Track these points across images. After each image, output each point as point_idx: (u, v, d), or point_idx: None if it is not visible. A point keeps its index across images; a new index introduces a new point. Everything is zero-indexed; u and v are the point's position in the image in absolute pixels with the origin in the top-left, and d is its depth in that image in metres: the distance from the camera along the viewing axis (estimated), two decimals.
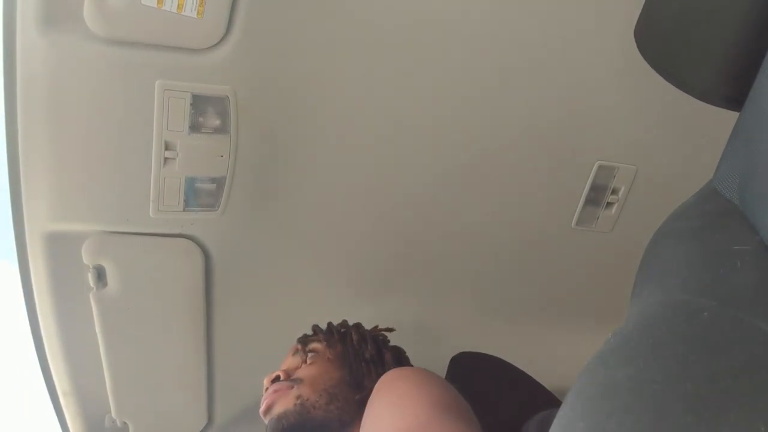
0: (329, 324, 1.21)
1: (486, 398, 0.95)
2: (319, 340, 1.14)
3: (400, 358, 1.16)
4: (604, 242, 1.42)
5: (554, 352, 1.48)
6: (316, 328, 1.20)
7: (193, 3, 0.96)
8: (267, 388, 1.08)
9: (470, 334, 1.42)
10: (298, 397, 1.02)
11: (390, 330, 1.23)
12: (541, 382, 1.14)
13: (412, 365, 1.16)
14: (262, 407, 1.04)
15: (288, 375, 1.08)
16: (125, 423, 1.38)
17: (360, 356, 1.10)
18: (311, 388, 1.03)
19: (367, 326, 1.22)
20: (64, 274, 1.19)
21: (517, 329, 1.52)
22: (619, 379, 0.49)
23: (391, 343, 1.21)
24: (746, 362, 0.46)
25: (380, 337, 1.18)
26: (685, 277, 0.55)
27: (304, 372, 1.07)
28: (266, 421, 1.03)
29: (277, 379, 1.08)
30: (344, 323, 1.21)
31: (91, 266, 1.18)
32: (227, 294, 1.33)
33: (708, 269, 0.55)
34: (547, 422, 0.75)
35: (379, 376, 1.04)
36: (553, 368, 1.26)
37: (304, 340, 1.15)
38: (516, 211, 1.36)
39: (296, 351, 1.15)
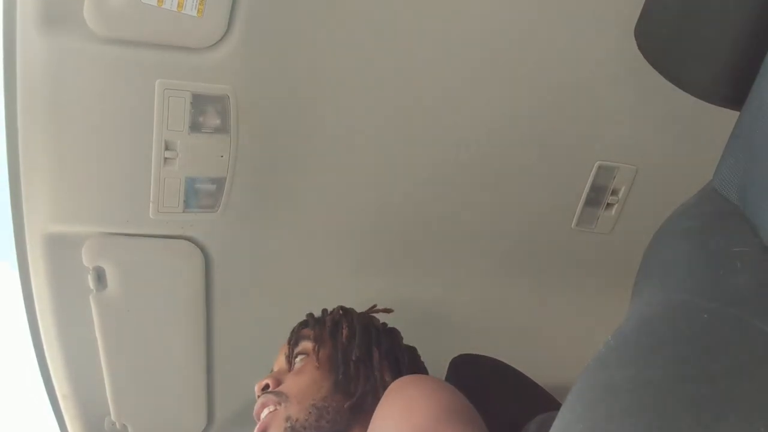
0: (323, 313, 1.18)
1: (485, 400, 0.94)
2: (309, 337, 1.11)
3: (395, 357, 1.11)
4: (604, 243, 1.42)
5: (553, 353, 1.48)
6: (309, 318, 1.17)
7: (193, 2, 0.96)
8: (258, 395, 1.06)
9: (468, 333, 1.42)
10: (288, 419, 0.99)
11: (388, 311, 1.19)
12: (540, 383, 1.14)
13: (417, 363, 1.14)
14: (256, 430, 1.02)
15: (278, 382, 1.06)
16: (124, 425, 1.38)
17: (347, 356, 1.07)
18: (299, 406, 1.00)
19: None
20: (64, 276, 1.19)
21: (515, 329, 1.52)
22: (618, 380, 0.49)
23: (392, 328, 1.18)
24: (746, 363, 0.46)
25: (373, 331, 1.13)
26: (685, 278, 0.55)
27: (290, 385, 1.04)
28: None
29: (266, 387, 1.06)
30: (336, 312, 1.17)
31: (90, 268, 1.18)
32: (227, 295, 1.32)
33: (708, 270, 0.54)
34: (547, 424, 0.75)
35: (366, 378, 1.04)
36: (552, 368, 1.26)
37: (295, 340, 1.12)
38: (515, 211, 1.36)
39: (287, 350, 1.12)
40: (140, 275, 1.21)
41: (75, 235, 1.15)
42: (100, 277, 1.19)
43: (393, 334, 1.17)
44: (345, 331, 1.11)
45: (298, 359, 1.09)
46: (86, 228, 1.16)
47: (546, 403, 1.07)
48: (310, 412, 1.00)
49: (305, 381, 1.04)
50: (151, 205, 1.13)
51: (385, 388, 0.99)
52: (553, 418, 0.54)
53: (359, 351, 1.07)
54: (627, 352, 0.51)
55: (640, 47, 0.72)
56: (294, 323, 1.17)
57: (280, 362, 1.12)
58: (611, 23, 1.12)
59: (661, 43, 0.68)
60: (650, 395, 0.46)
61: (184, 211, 1.15)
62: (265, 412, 1.03)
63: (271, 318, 1.36)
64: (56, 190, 1.10)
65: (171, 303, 1.26)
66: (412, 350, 1.17)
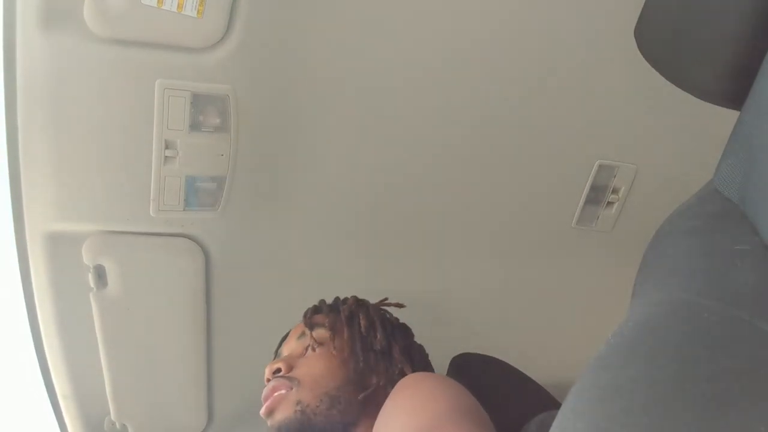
0: (336, 301, 1.16)
1: (486, 399, 0.94)
2: (324, 325, 1.09)
3: (410, 353, 1.10)
4: (604, 242, 1.42)
5: (554, 352, 1.48)
6: (323, 305, 1.15)
7: (193, 2, 0.96)
8: (268, 379, 1.05)
9: (468, 332, 1.42)
10: (298, 402, 0.98)
11: (399, 305, 1.18)
12: (540, 382, 1.14)
13: (427, 362, 1.14)
14: (263, 410, 1.01)
15: (290, 367, 1.04)
16: (124, 425, 1.38)
17: (368, 347, 1.05)
18: (312, 392, 0.99)
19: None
20: (65, 274, 1.19)
21: (516, 328, 1.52)
22: (619, 379, 0.49)
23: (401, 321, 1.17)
24: (747, 362, 0.46)
25: (388, 326, 1.12)
26: (686, 277, 0.55)
27: (304, 370, 1.03)
28: (268, 423, 1.02)
29: (278, 371, 1.04)
30: (352, 302, 1.15)
31: (91, 266, 1.18)
32: (227, 293, 1.32)
33: (709, 269, 0.54)
34: (547, 424, 0.75)
35: (385, 370, 1.03)
36: (552, 367, 1.26)
37: (310, 324, 1.09)
38: (516, 210, 1.36)
39: (302, 334, 1.10)
40: (140, 273, 1.21)
41: (75, 234, 1.16)
42: (100, 275, 1.19)
43: (406, 329, 1.16)
44: (363, 322, 1.09)
45: (310, 349, 1.07)
46: (86, 226, 1.16)
47: (546, 402, 1.07)
48: (321, 400, 0.99)
49: (320, 368, 1.03)
50: (151, 203, 1.13)
51: None
52: (554, 418, 0.54)
53: (381, 343, 1.06)
54: (628, 352, 0.51)
55: (640, 48, 0.72)
56: (294, 322, 1.17)
57: (291, 346, 1.10)
58: (611, 23, 1.12)
59: (661, 43, 0.68)
60: (651, 395, 0.46)
61: (184, 210, 1.15)
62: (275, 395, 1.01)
63: (271, 317, 1.36)
64: (56, 189, 1.10)
65: (171, 301, 1.26)
66: (422, 347, 1.16)
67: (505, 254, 1.43)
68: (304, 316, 1.13)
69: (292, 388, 1.01)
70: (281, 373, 1.04)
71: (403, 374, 1.01)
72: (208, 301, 1.31)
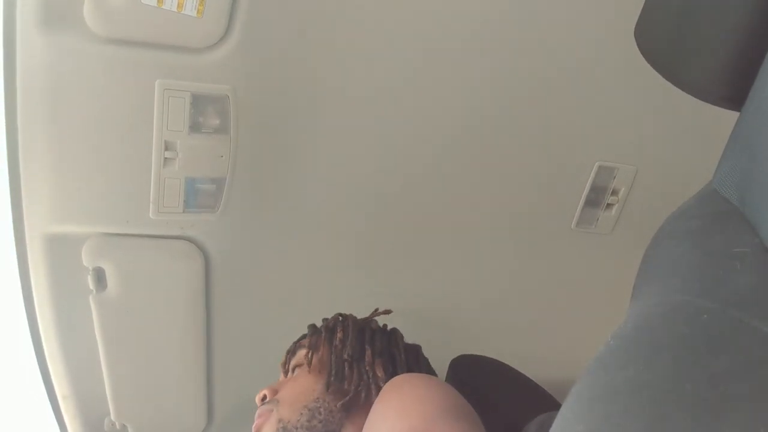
0: (323, 322, 1.19)
1: (485, 400, 0.95)
2: (305, 346, 1.13)
3: (391, 355, 1.12)
4: (604, 244, 1.42)
5: (553, 353, 1.48)
6: (309, 329, 1.18)
7: (193, 2, 0.96)
8: (259, 405, 1.08)
9: (468, 333, 1.42)
10: (280, 420, 1.01)
11: (387, 312, 1.20)
12: (540, 383, 1.14)
13: (420, 362, 1.14)
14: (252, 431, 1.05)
15: (274, 392, 1.08)
16: (124, 425, 1.38)
17: (339, 357, 1.08)
18: (290, 408, 1.02)
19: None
20: (64, 276, 1.19)
21: (515, 330, 1.52)
22: (618, 381, 0.49)
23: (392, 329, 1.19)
24: (746, 364, 0.45)
25: (367, 333, 1.13)
26: (685, 279, 0.55)
27: (285, 391, 1.07)
28: None
29: (264, 398, 1.08)
30: (332, 319, 1.18)
31: (90, 268, 1.18)
32: (227, 296, 1.32)
33: (708, 271, 0.54)
34: (547, 425, 0.75)
35: (360, 376, 1.05)
36: (552, 369, 1.26)
37: (293, 351, 1.15)
38: (515, 212, 1.36)
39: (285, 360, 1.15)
40: (140, 276, 1.21)
41: (75, 236, 1.15)
42: (99, 277, 1.19)
43: (391, 334, 1.17)
44: (339, 335, 1.12)
45: (296, 371, 1.12)
46: (86, 228, 1.16)
47: (546, 403, 1.07)
48: (301, 413, 1.01)
49: (298, 386, 1.06)
50: (151, 205, 1.13)
51: (378, 385, 1.01)
52: (553, 419, 0.54)
53: (351, 349, 1.08)
54: (627, 353, 0.51)
55: (640, 47, 0.72)
56: (294, 323, 1.18)
57: (281, 375, 1.15)
58: (611, 23, 1.12)
59: (661, 43, 0.68)
60: (649, 396, 0.46)
61: (184, 212, 1.15)
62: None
63: (271, 318, 1.37)
64: (56, 190, 1.10)
65: (171, 303, 1.26)
66: (413, 348, 1.16)
67: (505, 256, 1.43)
68: (292, 344, 1.17)
69: (272, 411, 1.04)
70: (266, 399, 1.07)
71: (376, 377, 1.04)
72: (207, 303, 1.31)
